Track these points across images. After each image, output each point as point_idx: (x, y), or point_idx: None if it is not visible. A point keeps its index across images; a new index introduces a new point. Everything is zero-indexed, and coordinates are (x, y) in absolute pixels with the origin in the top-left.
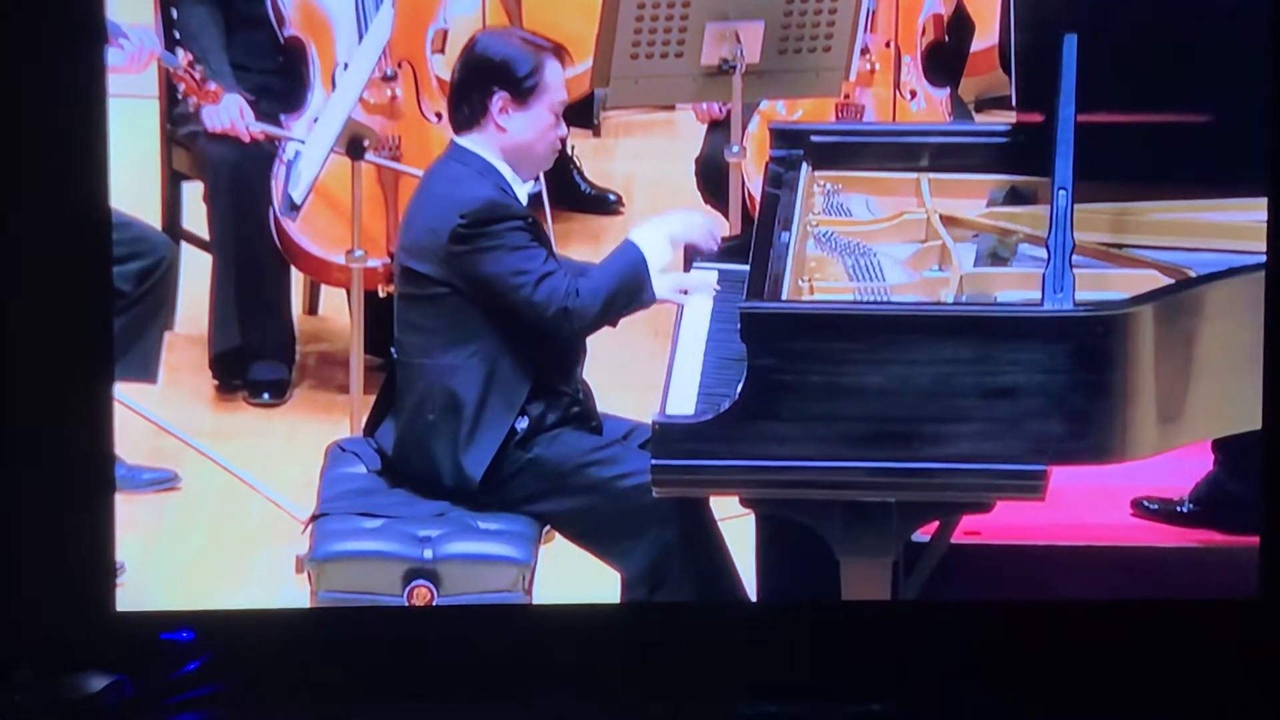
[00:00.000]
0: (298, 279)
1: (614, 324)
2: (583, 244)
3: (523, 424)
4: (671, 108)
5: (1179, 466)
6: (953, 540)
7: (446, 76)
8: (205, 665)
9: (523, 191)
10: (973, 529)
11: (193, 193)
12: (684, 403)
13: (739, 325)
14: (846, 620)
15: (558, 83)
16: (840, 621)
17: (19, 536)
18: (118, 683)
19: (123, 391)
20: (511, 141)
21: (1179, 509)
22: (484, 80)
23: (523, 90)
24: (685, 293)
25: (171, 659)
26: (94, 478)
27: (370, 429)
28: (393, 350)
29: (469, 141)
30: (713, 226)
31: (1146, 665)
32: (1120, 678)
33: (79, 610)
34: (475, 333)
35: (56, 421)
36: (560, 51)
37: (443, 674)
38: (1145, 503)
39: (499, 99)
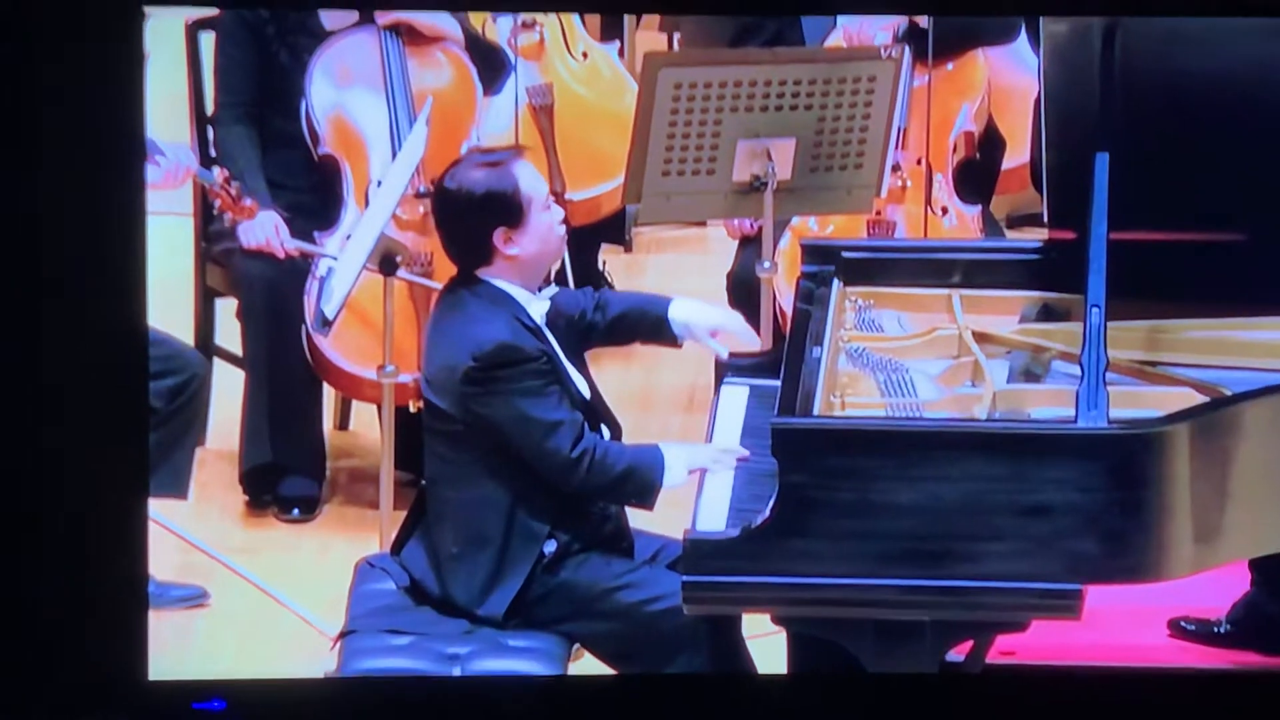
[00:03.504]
0: (328, 394)
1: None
2: (614, 361)
3: (550, 547)
4: (703, 224)
5: (1217, 586)
6: (987, 660)
7: None
8: None
9: (538, 310)
10: (1008, 649)
11: (226, 309)
12: (715, 518)
13: (770, 440)
14: (890, 694)
15: (536, 181)
16: (883, 696)
17: (54, 646)
18: None
19: (153, 507)
20: (524, 263)
21: (1216, 630)
22: (476, 222)
23: (516, 212)
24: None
25: None
26: (127, 595)
27: (396, 548)
28: (423, 481)
29: (480, 272)
30: (733, 460)
31: None
32: None
33: (113, 678)
34: (496, 469)
35: (91, 539)
36: (520, 150)
37: None
38: (1182, 623)
39: (499, 234)
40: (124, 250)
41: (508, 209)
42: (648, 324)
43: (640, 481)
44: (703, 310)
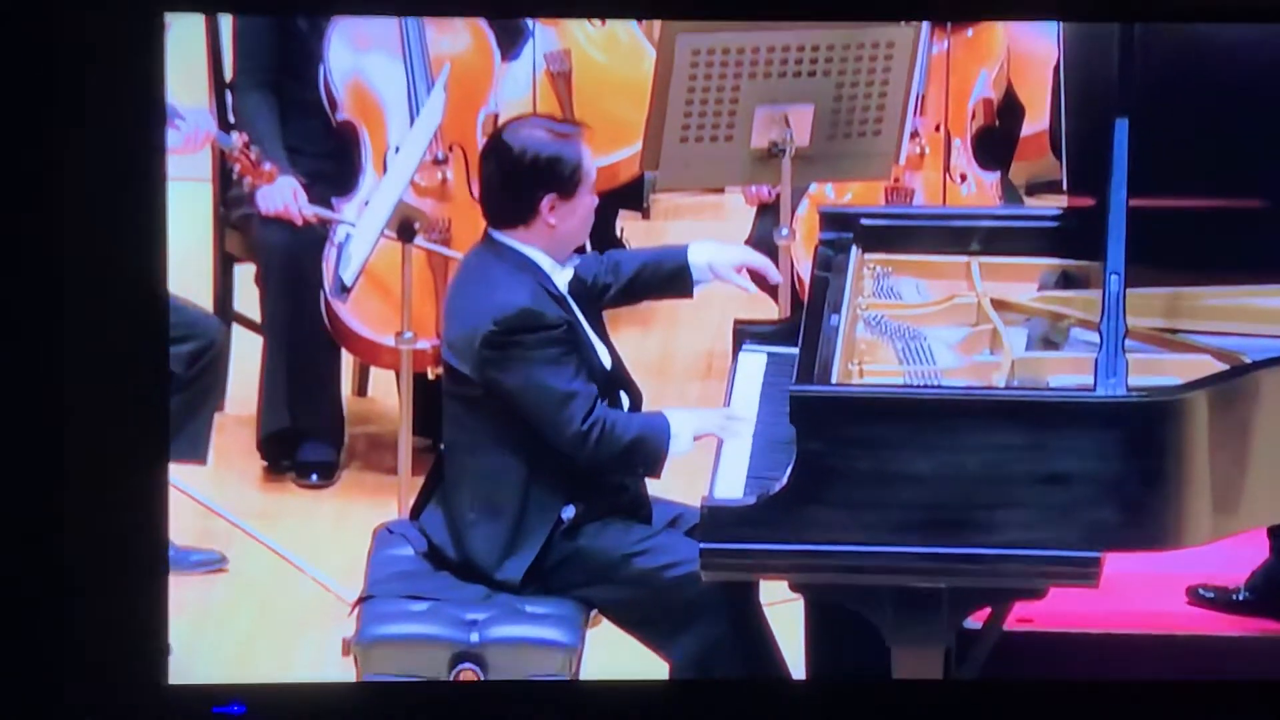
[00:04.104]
0: (347, 361)
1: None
2: (632, 328)
3: (569, 513)
4: (720, 191)
5: (1235, 554)
6: (1005, 627)
7: None
8: None
9: (562, 279)
10: (1025, 616)
11: (244, 275)
12: (733, 486)
13: (788, 408)
14: (900, 700)
15: (592, 165)
16: (893, 701)
17: (73, 611)
18: None
19: (172, 472)
20: (559, 234)
21: (1235, 597)
22: (531, 183)
23: (570, 186)
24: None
25: None
26: (148, 560)
27: (415, 513)
28: (442, 445)
29: (508, 236)
30: (739, 426)
31: None
32: None
33: (131, 683)
34: (514, 435)
35: (112, 504)
36: (585, 131)
37: None
38: (1201, 590)
39: (548, 200)
40: (144, 216)
41: (565, 179)
42: (664, 274)
43: (648, 451)
44: (723, 249)
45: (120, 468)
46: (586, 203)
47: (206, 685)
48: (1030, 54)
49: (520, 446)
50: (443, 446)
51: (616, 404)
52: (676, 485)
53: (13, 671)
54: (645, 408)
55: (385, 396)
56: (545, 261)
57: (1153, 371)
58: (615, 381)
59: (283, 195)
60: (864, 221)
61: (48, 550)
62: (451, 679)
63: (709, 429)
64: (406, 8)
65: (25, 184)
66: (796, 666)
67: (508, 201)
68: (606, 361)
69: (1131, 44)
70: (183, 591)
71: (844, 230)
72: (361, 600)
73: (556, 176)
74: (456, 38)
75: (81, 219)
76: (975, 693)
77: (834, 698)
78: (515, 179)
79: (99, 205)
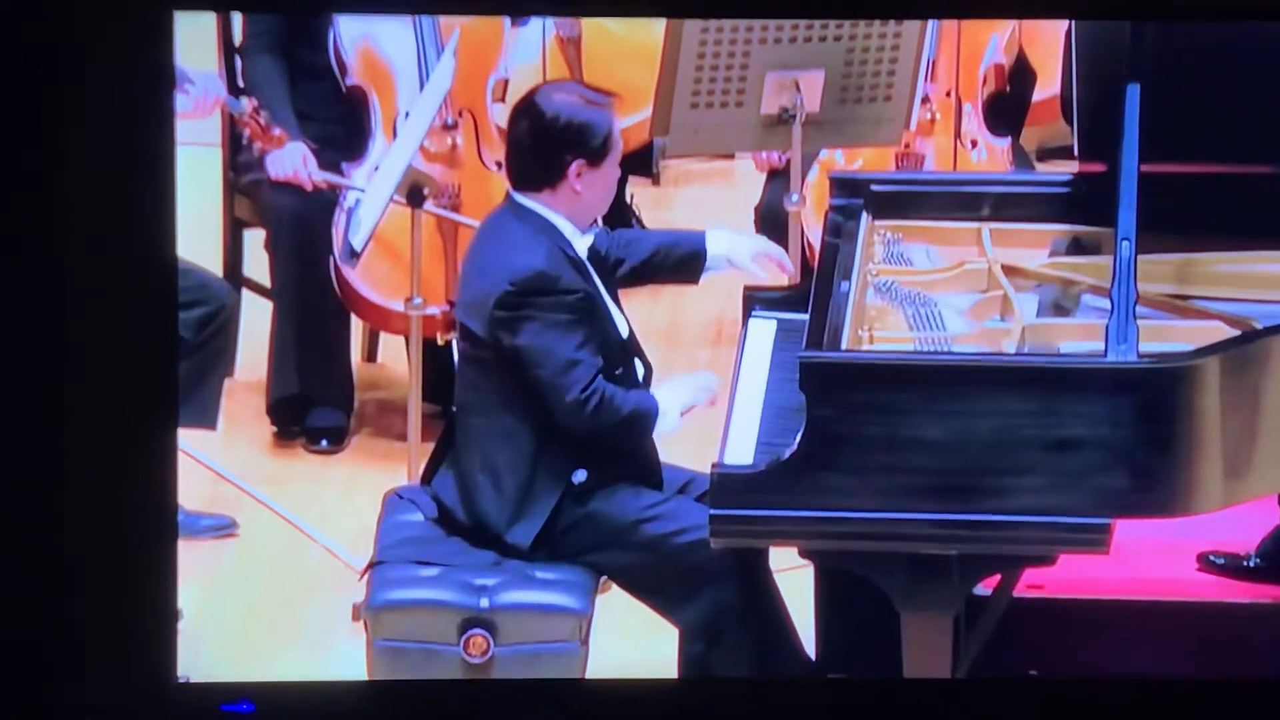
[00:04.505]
0: (357, 326)
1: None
2: (641, 295)
3: (580, 477)
4: (731, 156)
5: (1246, 521)
6: (1015, 594)
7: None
8: None
9: (582, 245)
10: (1036, 583)
11: (254, 240)
12: (743, 452)
13: (798, 375)
14: (908, 698)
15: (620, 136)
16: (903, 700)
17: (83, 597)
18: None
19: (182, 438)
20: (583, 201)
21: (1245, 564)
22: (561, 147)
23: (599, 153)
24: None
25: None
26: (157, 528)
27: (427, 478)
28: (453, 407)
29: (530, 199)
30: (712, 385)
31: None
32: None
33: (140, 679)
34: (526, 399)
35: (120, 470)
36: (617, 101)
37: None
38: (1211, 557)
39: (576, 165)
40: (153, 180)
41: (595, 145)
42: (678, 258)
43: (639, 428)
44: (742, 241)
45: (129, 433)
46: (612, 172)
47: (215, 683)
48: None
49: (533, 410)
50: (454, 408)
51: (631, 373)
52: (687, 451)
53: (21, 667)
54: (655, 376)
55: (395, 362)
56: (566, 227)
57: (1164, 338)
58: (630, 350)
59: (292, 160)
60: (874, 187)
61: (51, 540)
62: (461, 644)
63: (688, 400)
64: (419, 6)
65: (32, 148)
66: (806, 633)
67: (536, 163)
68: (623, 330)
69: (1145, 8)
70: (193, 556)
71: (854, 196)
72: (371, 565)
73: (587, 143)
74: None
75: (89, 183)
76: (983, 690)
77: (843, 695)
78: (546, 141)
79: (107, 170)
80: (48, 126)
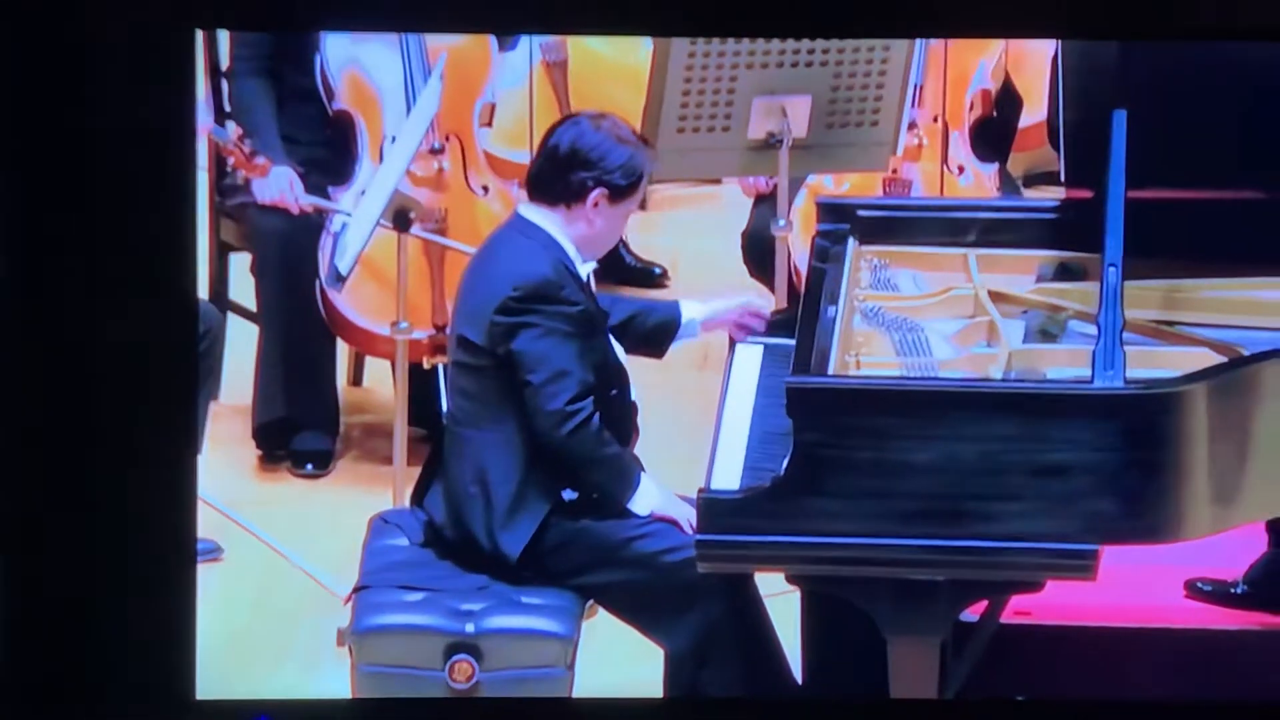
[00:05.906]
0: (342, 350)
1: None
2: None
3: (570, 494)
4: (718, 181)
5: (1233, 547)
6: (1002, 620)
7: (494, 150)
8: None
9: (585, 269)
10: (1023, 609)
11: (239, 264)
12: (729, 477)
13: (785, 399)
14: (900, 717)
15: (646, 186)
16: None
17: (103, 619)
18: None
19: None
20: (593, 231)
21: (1233, 590)
22: (590, 174)
23: (623, 191)
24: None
25: None
26: (177, 550)
27: (417, 497)
28: (443, 418)
29: (538, 215)
30: (689, 516)
31: None
32: None
33: (160, 698)
34: (519, 408)
35: (139, 502)
36: (652, 151)
37: None
38: (1199, 584)
39: (598, 194)
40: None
41: (624, 183)
42: (652, 324)
43: (612, 482)
44: (716, 303)
45: (148, 467)
46: (625, 215)
47: (233, 700)
48: (1028, 45)
49: (523, 421)
50: (444, 420)
51: (625, 395)
52: (674, 476)
53: (40, 688)
54: (643, 398)
55: (380, 386)
56: (570, 249)
57: (1151, 364)
58: (622, 378)
59: (280, 184)
60: (861, 213)
61: (73, 552)
62: (446, 669)
63: (667, 513)
64: (415, 25)
65: (56, 186)
66: (793, 657)
67: (562, 177)
68: (622, 356)
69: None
70: None
71: (841, 221)
72: (356, 590)
73: (618, 177)
74: None
75: (113, 208)
76: (970, 713)
77: (829, 716)
78: (581, 158)
79: (128, 208)
80: (69, 148)
